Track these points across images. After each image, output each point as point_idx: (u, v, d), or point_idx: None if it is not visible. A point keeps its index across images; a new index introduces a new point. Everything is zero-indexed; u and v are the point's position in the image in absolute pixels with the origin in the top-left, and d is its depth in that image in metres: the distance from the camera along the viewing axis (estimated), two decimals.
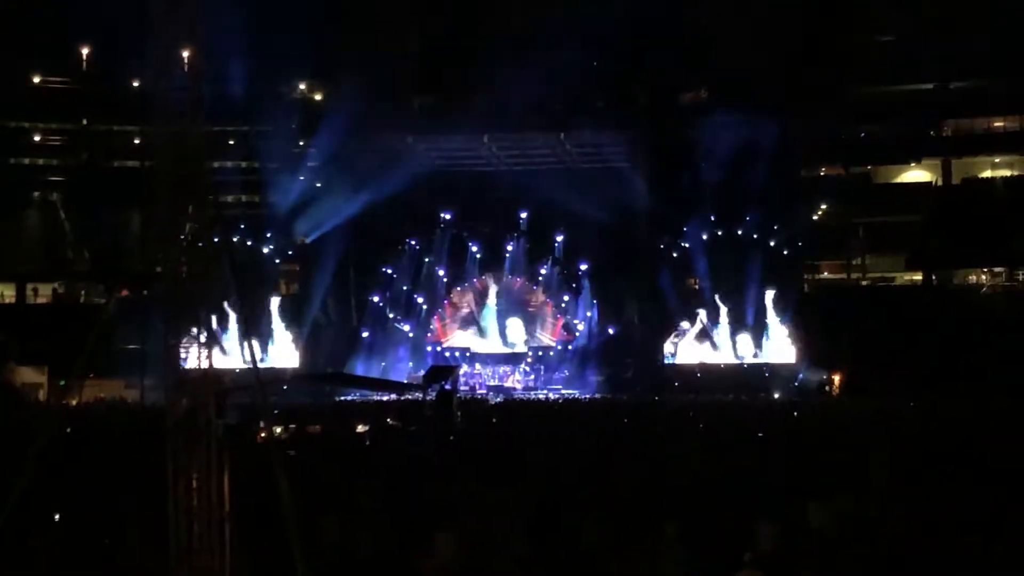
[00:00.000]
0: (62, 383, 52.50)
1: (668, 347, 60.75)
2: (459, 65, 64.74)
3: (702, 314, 60.21)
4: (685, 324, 60.64)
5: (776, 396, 52.60)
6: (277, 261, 64.93)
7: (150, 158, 12.12)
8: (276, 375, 54.87)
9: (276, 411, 34.94)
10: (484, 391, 58.84)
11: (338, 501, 18.67)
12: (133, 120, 60.88)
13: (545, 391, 59.53)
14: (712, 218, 60.49)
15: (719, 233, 60.80)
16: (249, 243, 63.06)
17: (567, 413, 42.71)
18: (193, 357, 11.84)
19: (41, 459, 12.26)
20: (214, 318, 12.62)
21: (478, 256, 64.63)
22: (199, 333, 11.94)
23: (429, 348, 64.05)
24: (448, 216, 64.05)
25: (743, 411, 40.73)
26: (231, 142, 62.97)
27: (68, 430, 30.22)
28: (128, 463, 21.82)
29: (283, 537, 11.83)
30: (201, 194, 11.71)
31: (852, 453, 22.92)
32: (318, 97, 67.48)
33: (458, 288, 65.17)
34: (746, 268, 58.69)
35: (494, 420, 38.04)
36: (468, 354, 63.58)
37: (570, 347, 63.28)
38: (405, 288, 64.64)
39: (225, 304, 23.70)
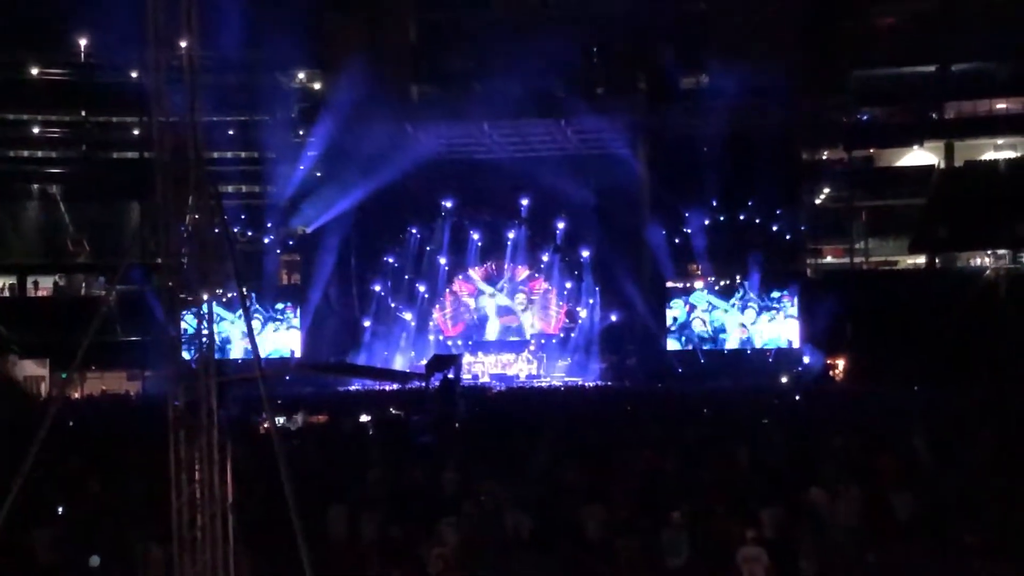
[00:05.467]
0: (64, 376, 52.58)
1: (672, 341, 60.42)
2: (458, 53, 64.57)
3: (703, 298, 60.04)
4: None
5: (780, 382, 52.42)
6: (278, 251, 64.81)
7: (149, 149, 12.05)
8: (279, 365, 54.80)
9: (279, 401, 35.01)
10: (487, 380, 58.74)
11: (342, 491, 18.67)
12: (132, 111, 60.82)
13: (548, 379, 59.43)
14: (713, 203, 60.28)
15: (721, 218, 60.60)
16: (250, 233, 63.00)
17: (570, 400, 42.70)
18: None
19: (43, 452, 12.21)
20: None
21: (479, 244, 64.41)
22: (200, 323, 11.90)
23: (431, 337, 63.91)
24: (449, 204, 63.74)
25: (746, 397, 40.65)
26: (230, 132, 62.84)
27: (70, 423, 30.31)
28: (130, 456, 21.85)
29: (288, 528, 11.80)
30: (201, 184, 11.65)
31: (857, 439, 22.92)
32: (317, 86, 67.26)
33: (460, 276, 64.98)
34: (748, 253, 58.50)
35: (496, 409, 38.03)
36: (470, 342, 63.44)
37: (572, 334, 63.09)
38: (407, 277, 64.41)
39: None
